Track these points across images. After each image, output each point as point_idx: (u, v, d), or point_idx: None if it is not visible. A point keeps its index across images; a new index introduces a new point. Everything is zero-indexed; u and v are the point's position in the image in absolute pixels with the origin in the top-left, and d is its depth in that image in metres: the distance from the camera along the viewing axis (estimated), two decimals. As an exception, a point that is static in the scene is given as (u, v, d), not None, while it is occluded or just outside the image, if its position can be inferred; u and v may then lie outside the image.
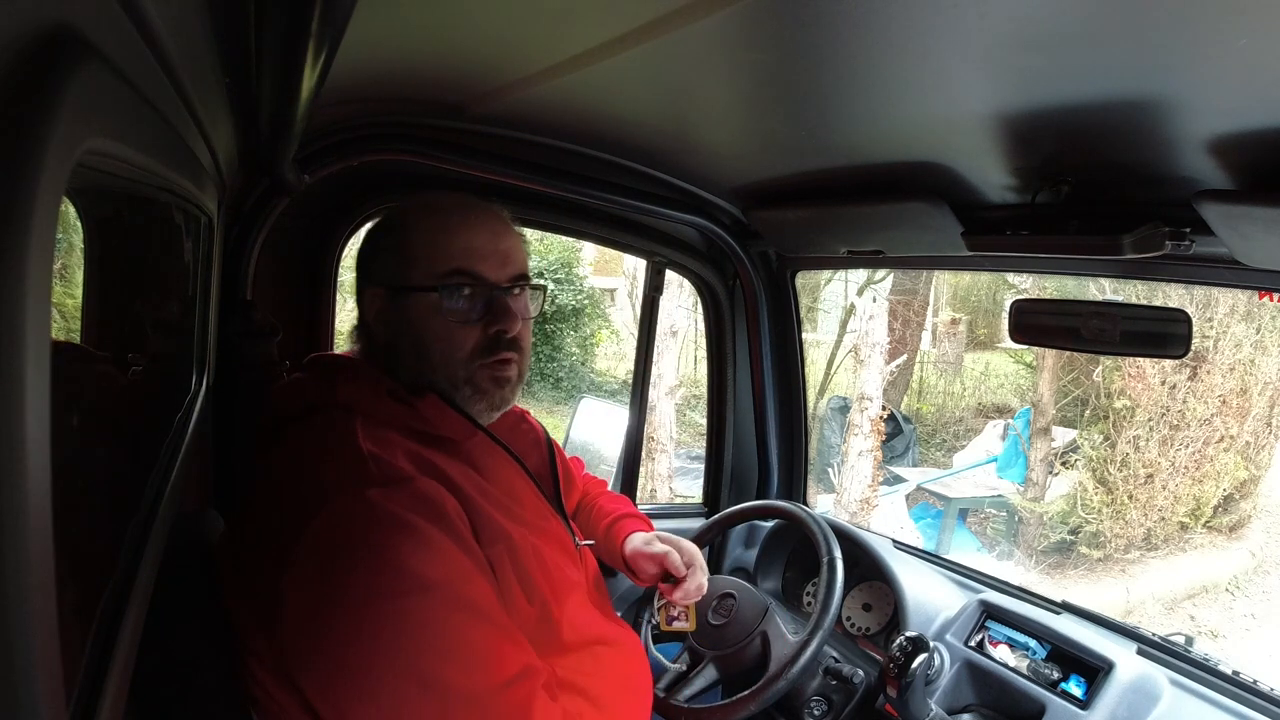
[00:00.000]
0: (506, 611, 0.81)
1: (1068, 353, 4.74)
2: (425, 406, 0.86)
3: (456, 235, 0.87)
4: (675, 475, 5.25)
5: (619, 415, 1.79)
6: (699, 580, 1.13)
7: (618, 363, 7.91)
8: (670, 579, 1.13)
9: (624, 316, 7.84)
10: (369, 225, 0.94)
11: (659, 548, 1.11)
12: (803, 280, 1.78)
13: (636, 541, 1.12)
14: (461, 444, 0.88)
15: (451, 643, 0.73)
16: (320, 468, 0.78)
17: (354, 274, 0.96)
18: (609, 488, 1.27)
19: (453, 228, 0.87)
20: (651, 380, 2.02)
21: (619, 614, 1.14)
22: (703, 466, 1.88)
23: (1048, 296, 3.89)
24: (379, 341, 0.90)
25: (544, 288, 0.96)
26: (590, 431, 1.90)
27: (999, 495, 5.52)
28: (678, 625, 1.22)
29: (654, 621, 1.28)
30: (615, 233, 1.60)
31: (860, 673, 1.24)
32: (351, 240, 1.43)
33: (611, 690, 0.93)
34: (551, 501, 0.98)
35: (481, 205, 0.91)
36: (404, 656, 0.70)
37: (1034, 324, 1.24)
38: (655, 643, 1.34)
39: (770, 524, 1.59)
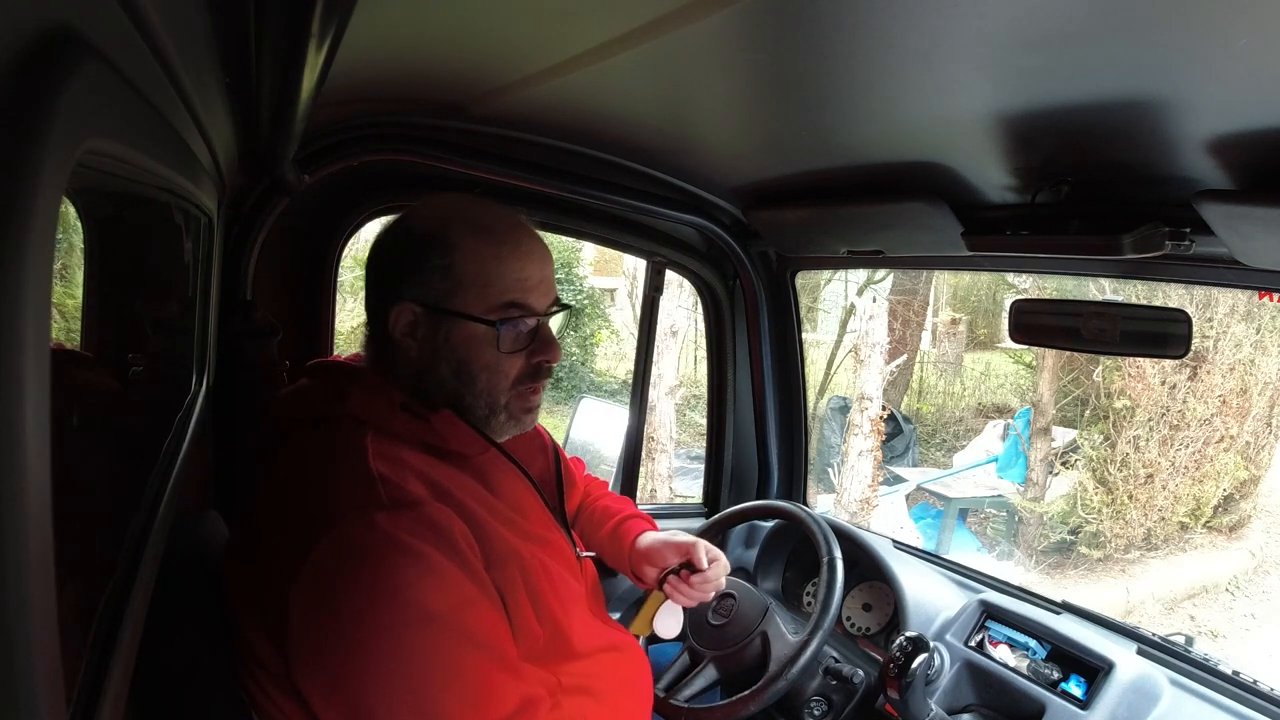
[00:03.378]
0: (516, 637, 0.80)
1: (1068, 353, 4.74)
2: (439, 422, 0.84)
3: (509, 265, 0.85)
4: (675, 475, 5.24)
5: (619, 415, 1.79)
6: (719, 573, 1.09)
7: (618, 363, 7.90)
8: (688, 569, 1.08)
9: (624, 316, 7.82)
10: (391, 231, 0.89)
11: (684, 538, 1.09)
12: (803, 280, 1.78)
13: (649, 539, 1.10)
14: (473, 459, 0.87)
15: (452, 675, 0.73)
16: (328, 484, 0.77)
17: (366, 279, 0.90)
18: (609, 488, 1.26)
19: (506, 256, 0.85)
20: (651, 380, 2.02)
21: (616, 615, 1.13)
22: (703, 466, 1.88)
23: (1048, 296, 3.89)
24: (408, 356, 0.86)
25: (570, 307, 0.94)
26: (590, 432, 1.90)
27: (999, 495, 5.51)
28: (662, 628, 1.14)
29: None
30: (615, 233, 1.60)
31: (860, 673, 1.24)
32: (352, 240, 1.44)
33: (616, 691, 0.93)
34: (555, 511, 0.97)
35: (527, 227, 0.89)
36: (404, 686, 0.70)
37: (1034, 324, 1.24)
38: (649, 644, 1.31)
39: (770, 524, 1.58)
